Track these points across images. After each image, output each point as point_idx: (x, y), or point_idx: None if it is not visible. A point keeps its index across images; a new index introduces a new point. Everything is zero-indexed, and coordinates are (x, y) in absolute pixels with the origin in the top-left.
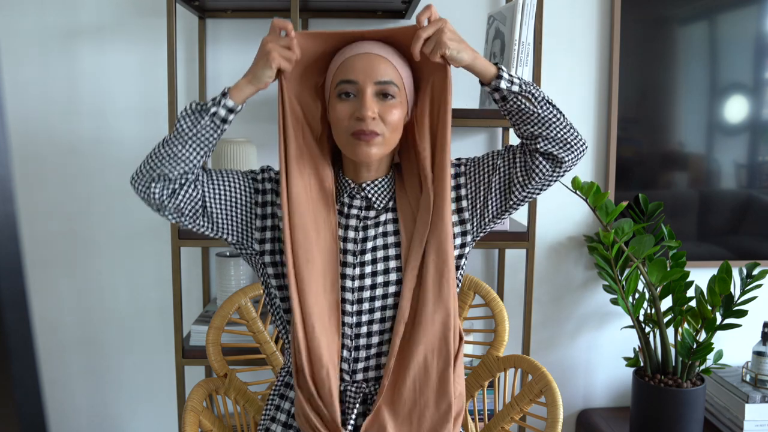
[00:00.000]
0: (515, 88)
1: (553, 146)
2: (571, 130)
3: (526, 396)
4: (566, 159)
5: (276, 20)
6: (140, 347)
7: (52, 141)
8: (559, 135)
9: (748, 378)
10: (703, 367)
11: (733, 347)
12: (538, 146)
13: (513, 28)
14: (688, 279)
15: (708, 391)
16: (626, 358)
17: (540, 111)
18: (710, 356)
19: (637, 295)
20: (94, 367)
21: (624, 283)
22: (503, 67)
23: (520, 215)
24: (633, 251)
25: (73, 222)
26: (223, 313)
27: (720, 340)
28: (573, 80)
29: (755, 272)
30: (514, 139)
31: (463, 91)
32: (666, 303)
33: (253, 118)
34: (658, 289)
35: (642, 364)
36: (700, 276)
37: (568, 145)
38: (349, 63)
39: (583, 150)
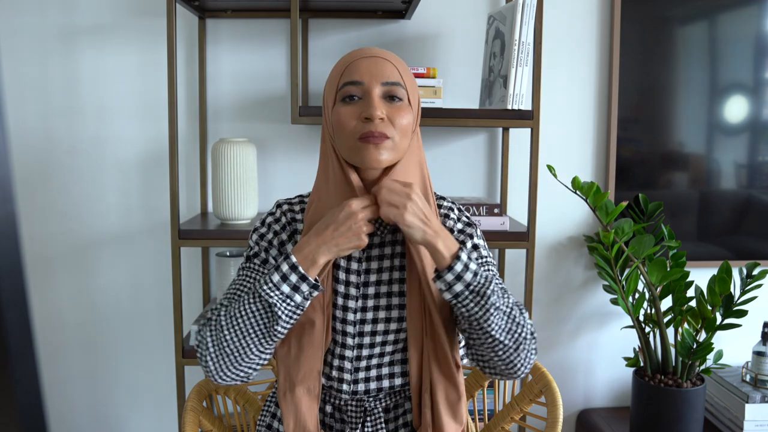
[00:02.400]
0: (458, 288)
1: (496, 375)
2: (517, 353)
3: (526, 396)
4: (512, 378)
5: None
6: (140, 347)
7: (52, 141)
8: (499, 365)
9: (748, 378)
10: (703, 367)
11: (733, 347)
12: (484, 370)
13: (513, 28)
14: (688, 279)
15: (708, 391)
16: (626, 358)
17: (483, 317)
18: (710, 356)
19: (637, 295)
20: (94, 367)
21: (624, 283)
22: (461, 257)
23: (520, 215)
24: (633, 251)
25: (73, 222)
26: None
27: (720, 340)
28: (573, 80)
29: (755, 272)
30: (513, 139)
31: (464, 91)
32: (666, 303)
33: (253, 117)
34: (658, 289)
35: (642, 364)
36: (700, 276)
37: (512, 373)
38: (354, 65)
39: (533, 361)
